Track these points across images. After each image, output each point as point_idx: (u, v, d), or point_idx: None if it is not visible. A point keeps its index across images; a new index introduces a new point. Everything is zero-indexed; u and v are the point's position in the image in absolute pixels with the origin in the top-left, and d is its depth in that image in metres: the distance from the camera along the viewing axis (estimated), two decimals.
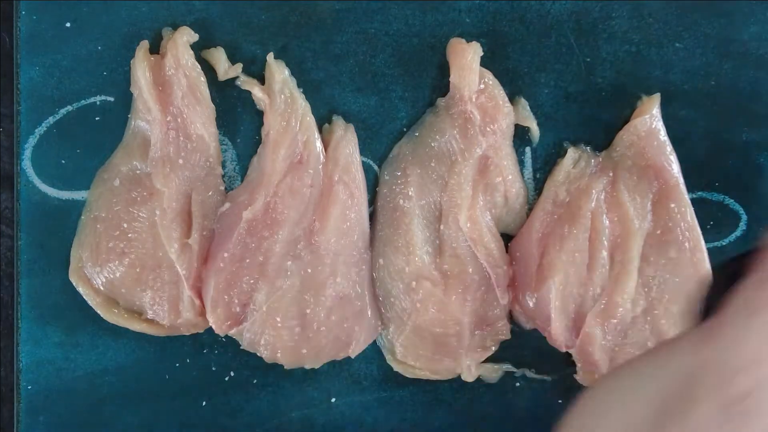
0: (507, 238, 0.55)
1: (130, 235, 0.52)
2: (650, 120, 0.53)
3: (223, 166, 0.53)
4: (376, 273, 0.54)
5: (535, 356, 0.55)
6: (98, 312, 0.53)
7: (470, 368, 0.54)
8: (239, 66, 0.52)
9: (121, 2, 0.52)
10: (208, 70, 0.52)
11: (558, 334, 0.52)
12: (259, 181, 0.52)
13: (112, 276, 0.52)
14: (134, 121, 0.52)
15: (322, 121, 0.54)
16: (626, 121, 0.54)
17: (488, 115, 0.53)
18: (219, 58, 0.52)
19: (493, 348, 0.54)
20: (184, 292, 0.52)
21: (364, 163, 0.54)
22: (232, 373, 0.54)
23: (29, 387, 0.53)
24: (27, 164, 0.53)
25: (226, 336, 0.53)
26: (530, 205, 0.55)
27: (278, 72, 0.52)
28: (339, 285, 0.52)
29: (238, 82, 0.53)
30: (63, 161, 0.53)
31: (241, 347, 0.53)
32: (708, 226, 0.54)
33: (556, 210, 0.53)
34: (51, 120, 0.52)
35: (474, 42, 0.52)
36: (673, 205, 0.52)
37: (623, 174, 0.53)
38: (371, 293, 0.54)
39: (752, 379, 0.31)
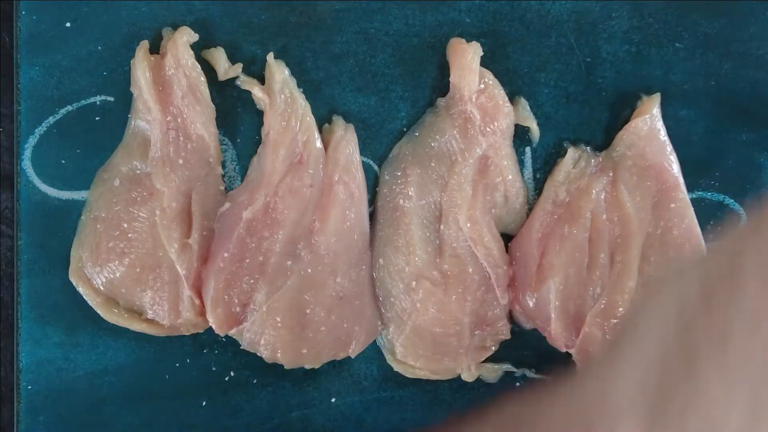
0: (507, 238, 0.55)
1: (130, 235, 0.52)
2: (650, 120, 0.53)
3: (223, 166, 0.53)
4: (376, 273, 0.54)
5: (535, 356, 0.55)
6: (98, 312, 0.53)
7: (470, 368, 0.54)
8: (239, 66, 0.52)
9: (121, 2, 0.52)
10: (208, 70, 0.52)
11: (558, 334, 0.52)
12: (259, 181, 0.52)
13: (112, 276, 0.52)
14: (134, 121, 0.52)
15: (322, 121, 0.54)
16: (626, 121, 0.54)
17: (488, 115, 0.53)
18: (219, 58, 0.52)
19: (493, 348, 0.54)
20: (184, 292, 0.52)
21: (364, 163, 0.54)
22: (232, 373, 0.54)
23: (29, 387, 0.53)
24: (27, 164, 0.53)
25: (226, 336, 0.53)
26: (530, 205, 0.55)
27: (278, 72, 0.52)
28: (339, 285, 0.52)
29: (238, 82, 0.53)
30: (63, 161, 0.53)
31: (241, 347, 0.53)
32: (708, 226, 0.54)
33: (556, 210, 0.53)
34: (51, 120, 0.52)
35: (474, 42, 0.52)
36: (673, 205, 0.52)
37: (623, 174, 0.53)
38: (371, 293, 0.54)
39: None
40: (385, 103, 0.54)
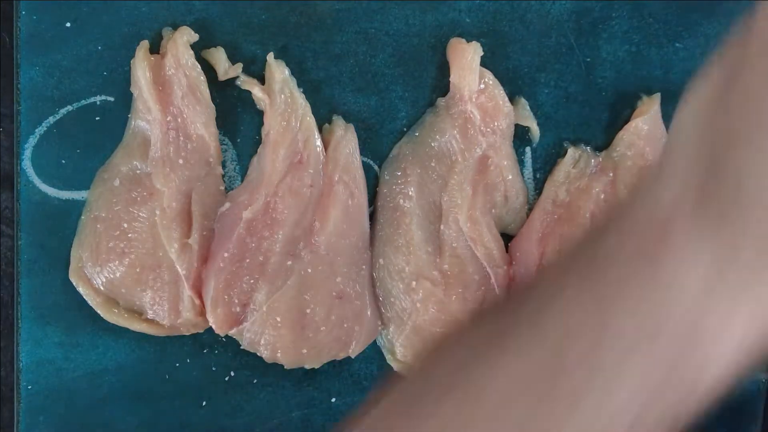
0: (507, 238, 0.55)
1: (130, 235, 0.52)
2: (650, 120, 0.53)
3: (223, 166, 0.53)
4: (376, 273, 0.54)
5: None
6: (98, 312, 0.53)
7: None
8: (239, 66, 0.52)
9: (121, 2, 0.52)
10: (208, 70, 0.52)
11: None
12: (259, 181, 0.52)
13: (112, 276, 0.52)
14: (134, 121, 0.52)
15: (322, 121, 0.54)
16: (626, 121, 0.54)
17: (488, 115, 0.53)
18: (219, 58, 0.52)
19: None
20: (184, 292, 0.52)
21: (364, 163, 0.54)
22: (232, 373, 0.54)
23: (29, 387, 0.53)
24: (27, 164, 0.53)
25: (226, 336, 0.53)
26: (530, 205, 0.55)
27: (278, 72, 0.52)
28: (339, 285, 0.52)
29: (238, 82, 0.53)
30: (63, 161, 0.53)
31: (241, 347, 0.53)
32: None
33: (556, 210, 0.53)
34: (51, 120, 0.52)
35: (474, 42, 0.52)
36: None
37: (623, 174, 0.53)
38: (371, 293, 0.54)
39: None
40: (385, 103, 0.54)
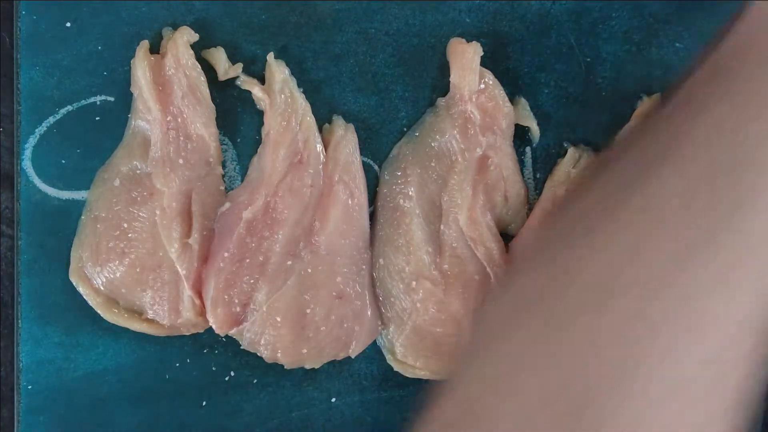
0: (507, 238, 0.55)
1: (130, 235, 0.52)
2: None
3: (223, 166, 0.53)
4: (376, 273, 0.54)
5: None
6: (98, 312, 0.53)
7: None
8: (239, 66, 0.52)
9: (121, 2, 0.52)
10: (208, 70, 0.52)
11: None
12: (259, 181, 0.52)
13: (112, 276, 0.52)
14: (134, 121, 0.52)
15: (322, 121, 0.54)
16: (626, 121, 0.54)
17: (488, 115, 0.53)
18: (219, 58, 0.52)
19: None
20: (184, 292, 0.52)
21: (364, 163, 0.54)
22: (232, 373, 0.54)
23: (29, 387, 0.53)
24: (27, 164, 0.53)
25: (226, 336, 0.53)
26: (530, 205, 0.55)
27: (278, 72, 0.52)
28: (339, 285, 0.52)
29: (238, 82, 0.53)
30: (63, 161, 0.53)
31: (241, 347, 0.53)
32: None
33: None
34: (51, 120, 0.52)
35: (474, 42, 0.52)
36: None
37: None
38: (371, 293, 0.54)
39: None
40: (385, 103, 0.54)
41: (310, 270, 0.52)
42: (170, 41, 0.51)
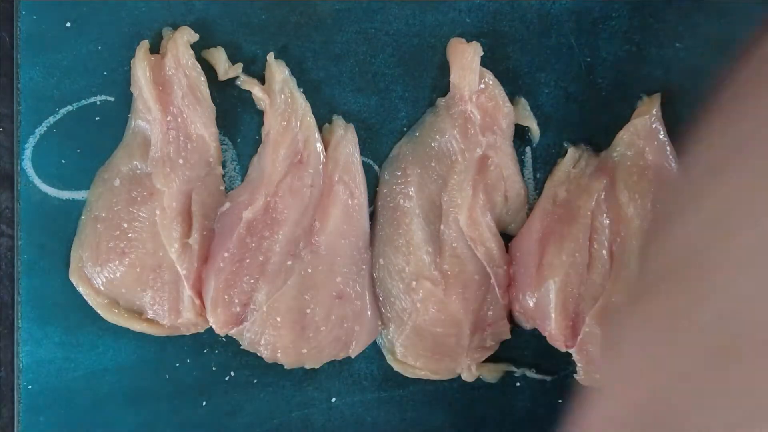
0: (507, 238, 0.55)
1: (130, 235, 0.52)
2: (650, 120, 0.53)
3: (223, 166, 0.53)
4: (376, 273, 0.54)
5: (535, 356, 0.55)
6: (98, 312, 0.53)
7: (470, 368, 0.54)
8: (239, 66, 0.52)
9: (121, 2, 0.52)
10: (208, 70, 0.52)
11: (558, 334, 0.52)
12: (260, 181, 0.52)
13: (112, 276, 0.52)
14: (134, 121, 0.52)
15: (322, 121, 0.54)
16: (626, 121, 0.54)
17: (488, 115, 0.53)
18: (219, 58, 0.52)
19: (494, 348, 0.54)
20: (184, 292, 0.52)
21: (364, 163, 0.54)
22: (232, 373, 0.54)
23: (29, 387, 0.53)
24: (27, 164, 0.53)
25: (226, 336, 0.53)
26: (530, 205, 0.55)
27: (278, 72, 0.52)
28: (339, 285, 0.52)
29: (238, 82, 0.53)
30: (63, 161, 0.53)
31: (241, 347, 0.53)
32: None
33: (556, 210, 0.54)
34: (51, 120, 0.52)
35: (474, 42, 0.52)
36: None
37: (623, 174, 0.53)
38: (371, 293, 0.54)
39: None
40: (385, 103, 0.54)
41: (310, 270, 0.52)
42: (170, 41, 0.51)
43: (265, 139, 0.53)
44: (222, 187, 0.53)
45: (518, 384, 0.55)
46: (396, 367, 0.54)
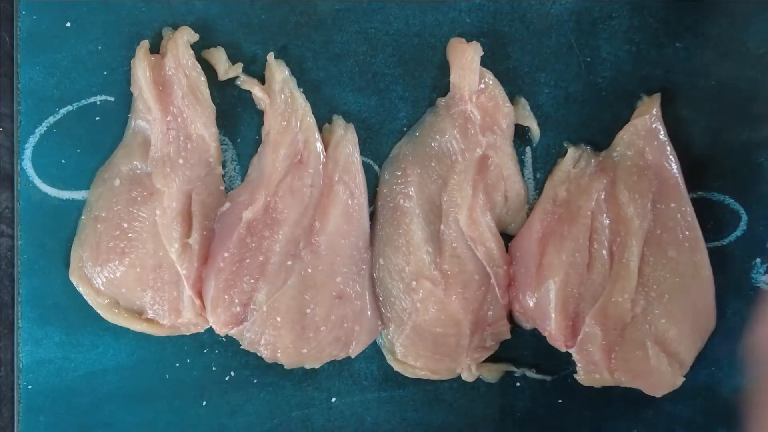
0: (507, 238, 0.55)
1: (130, 235, 0.52)
2: (650, 120, 0.53)
3: (224, 166, 0.53)
4: (376, 273, 0.54)
5: (535, 356, 0.55)
6: (98, 312, 0.53)
7: (470, 368, 0.54)
8: (239, 66, 0.52)
9: (121, 2, 0.52)
10: (208, 70, 0.52)
11: (558, 334, 0.52)
12: (260, 181, 0.52)
13: (112, 276, 0.52)
14: (134, 121, 0.52)
15: (322, 121, 0.54)
16: (626, 121, 0.54)
17: (488, 115, 0.53)
18: (219, 58, 0.52)
19: (494, 348, 0.54)
20: (184, 292, 0.52)
21: (364, 163, 0.54)
22: (232, 373, 0.54)
23: (29, 387, 0.53)
24: (27, 164, 0.53)
25: (226, 336, 0.53)
26: (530, 205, 0.55)
27: (278, 72, 0.52)
28: (339, 285, 0.52)
29: (238, 82, 0.53)
30: (63, 161, 0.53)
31: (241, 347, 0.53)
32: (708, 226, 0.54)
33: (556, 210, 0.53)
34: (51, 120, 0.52)
35: (474, 42, 0.52)
36: (673, 205, 0.52)
37: (623, 174, 0.53)
38: (371, 293, 0.54)
39: None
40: (385, 103, 0.54)
41: (310, 270, 0.52)
42: (170, 41, 0.51)
43: (265, 139, 0.53)
44: (222, 187, 0.53)
45: (518, 384, 0.55)
46: (396, 367, 0.54)
